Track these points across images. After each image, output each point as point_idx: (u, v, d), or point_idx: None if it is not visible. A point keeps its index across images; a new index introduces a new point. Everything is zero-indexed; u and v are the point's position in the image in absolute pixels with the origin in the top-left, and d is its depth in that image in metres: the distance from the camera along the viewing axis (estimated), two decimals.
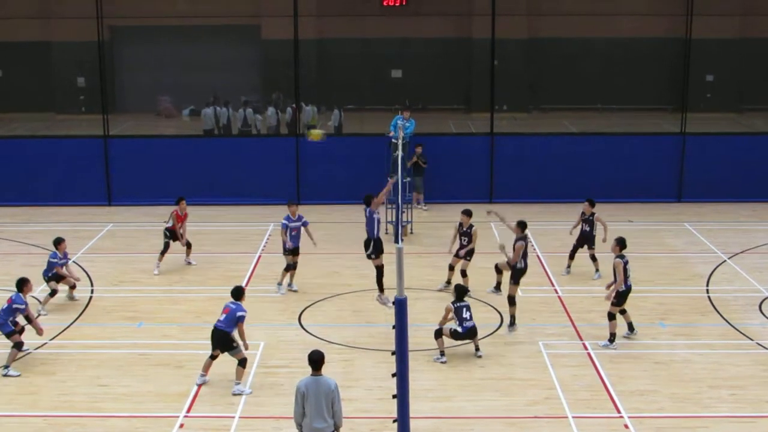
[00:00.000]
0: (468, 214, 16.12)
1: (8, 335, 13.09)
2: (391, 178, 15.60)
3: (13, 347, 13.07)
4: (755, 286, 16.73)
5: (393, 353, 9.72)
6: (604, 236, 16.80)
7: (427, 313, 15.04)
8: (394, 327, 9.62)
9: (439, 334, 13.39)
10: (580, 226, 17.22)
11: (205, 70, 26.22)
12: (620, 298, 13.88)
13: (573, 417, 11.73)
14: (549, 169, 23.06)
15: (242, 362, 12.38)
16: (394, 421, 9.94)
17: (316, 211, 21.73)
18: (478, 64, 25.66)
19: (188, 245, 17.83)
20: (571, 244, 17.31)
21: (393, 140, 19.72)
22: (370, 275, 15.67)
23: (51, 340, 14.20)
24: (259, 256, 18.58)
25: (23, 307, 13.17)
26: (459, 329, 13.33)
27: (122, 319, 15.18)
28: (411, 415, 9.92)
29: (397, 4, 25.25)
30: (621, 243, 14.02)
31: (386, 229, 19.35)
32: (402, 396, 9.68)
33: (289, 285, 16.52)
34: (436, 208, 22.23)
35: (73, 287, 15.95)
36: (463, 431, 11.48)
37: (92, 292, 16.52)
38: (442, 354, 13.39)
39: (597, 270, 17.00)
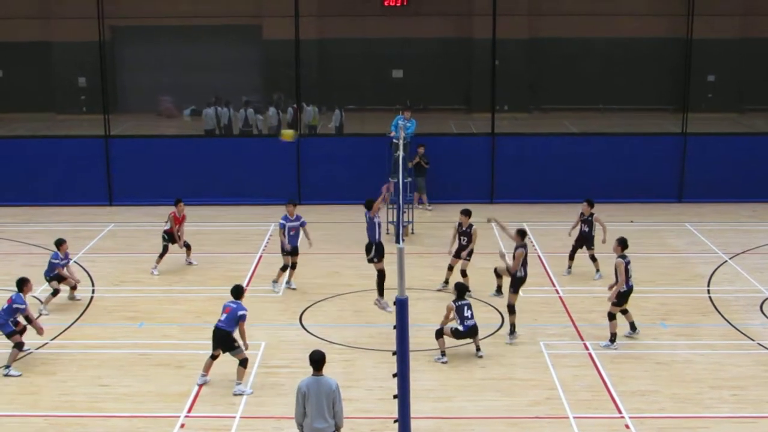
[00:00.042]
0: (467, 214, 16.12)
1: (9, 335, 13.09)
2: (388, 182, 15.59)
3: (14, 347, 13.07)
4: (756, 287, 16.72)
5: (394, 353, 9.72)
6: (603, 237, 16.80)
7: (428, 313, 15.04)
8: (395, 327, 9.61)
9: (440, 334, 13.39)
10: (579, 227, 17.22)
11: (206, 70, 26.21)
12: (621, 299, 13.87)
13: (574, 417, 11.73)
14: (550, 169, 23.06)
15: (243, 362, 12.38)
16: (395, 422, 9.94)
17: (317, 212, 21.75)
18: (478, 64, 25.65)
19: (187, 246, 17.83)
20: (571, 244, 17.31)
21: (394, 140, 19.71)
22: (371, 275, 15.67)
23: (52, 340, 14.20)
24: (260, 257, 18.58)
25: (24, 307, 13.16)
26: (460, 328, 13.33)
27: (123, 319, 15.19)
28: (412, 415, 9.92)
29: (398, 5, 25.24)
30: (623, 243, 14.02)
31: (387, 230, 19.35)
32: (403, 396, 9.67)
33: (288, 282, 16.53)
34: (437, 208, 22.24)
35: (74, 287, 15.96)
36: (464, 431, 11.48)
37: (93, 292, 16.52)
38: (443, 354, 13.38)
39: (597, 270, 16.99)
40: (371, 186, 21.51)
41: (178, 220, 17.57)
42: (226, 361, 12.52)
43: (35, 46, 26.33)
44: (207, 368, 12.56)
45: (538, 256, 18.29)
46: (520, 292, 14.40)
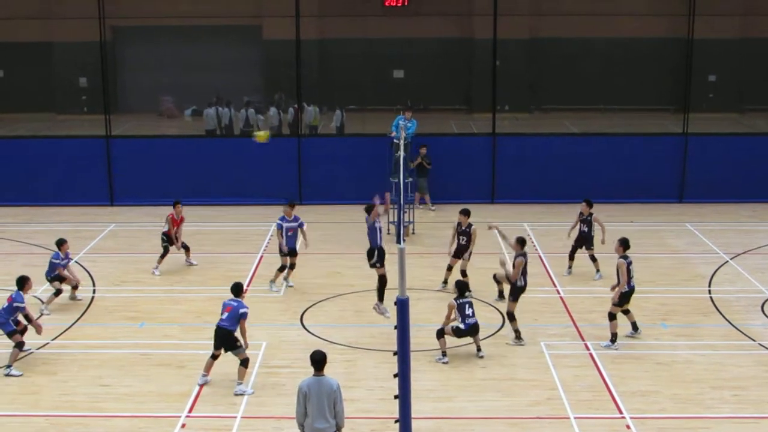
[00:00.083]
0: (466, 213, 16.12)
1: (10, 334, 13.09)
2: (386, 195, 15.52)
3: (14, 347, 13.07)
4: (757, 287, 16.72)
5: (395, 353, 9.73)
6: (602, 237, 16.81)
7: (429, 313, 15.05)
8: (395, 327, 9.62)
9: (441, 334, 13.38)
10: (578, 227, 17.22)
11: (207, 70, 26.25)
12: (623, 299, 13.87)
13: (575, 418, 11.73)
14: (551, 169, 23.06)
15: (244, 362, 12.39)
16: (395, 422, 9.95)
17: (317, 212, 21.78)
18: (479, 65, 25.66)
19: (186, 248, 17.80)
20: (571, 244, 17.31)
21: (395, 140, 19.73)
22: (372, 275, 15.63)
23: (53, 340, 14.21)
24: (261, 257, 18.59)
25: (24, 305, 13.16)
26: (462, 326, 13.33)
27: (124, 319, 15.20)
28: (413, 415, 9.93)
29: (399, 5, 25.25)
30: (624, 244, 14.01)
31: (388, 230, 19.35)
32: (404, 396, 9.68)
33: (285, 279, 16.54)
34: (438, 208, 22.24)
35: (75, 287, 15.97)
36: (464, 431, 11.48)
37: (94, 292, 16.53)
38: (444, 354, 13.39)
39: (597, 270, 16.99)
40: (372, 186, 21.50)
41: (176, 222, 17.55)
42: (227, 361, 12.53)
43: (36, 46, 26.37)
44: (208, 368, 12.57)
45: (539, 257, 18.29)
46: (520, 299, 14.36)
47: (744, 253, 18.85)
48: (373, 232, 14.81)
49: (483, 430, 11.51)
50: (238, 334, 12.38)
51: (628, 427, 11.52)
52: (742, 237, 20.08)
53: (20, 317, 13.26)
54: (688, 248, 19.33)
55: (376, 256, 14.78)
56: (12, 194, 22.86)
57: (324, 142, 24.34)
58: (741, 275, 17.42)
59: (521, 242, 14.29)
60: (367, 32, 26.19)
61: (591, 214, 16.97)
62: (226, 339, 12.34)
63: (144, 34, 26.58)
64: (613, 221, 19.86)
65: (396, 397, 9.74)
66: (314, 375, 9.67)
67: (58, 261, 15.58)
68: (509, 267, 14.44)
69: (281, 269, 16.45)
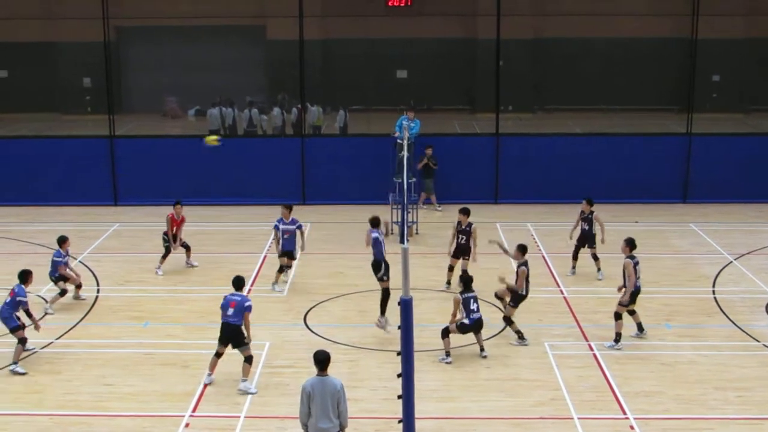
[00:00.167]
0: (466, 212, 16.10)
1: (13, 330, 13.08)
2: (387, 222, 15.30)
3: (18, 343, 13.06)
4: (762, 288, 16.69)
5: (398, 354, 9.72)
6: (602, 237, 16.80)
7: (432, 313, 15.04)
8: (399, 327, 9.62)
9: (446, 333, 13.37)
10: (579, 226, 17.21)
11: (210, 70, 26.29)
12: (629, 299, 13.85)
13: (578, 418, 11.72)
14: (554, 169, 23.05)
15: (248, 359, 12.39)
16: (399, 422, 9.94)
17: (320, 212, 21.78)
18: (482, 65, 25.67)
19: (187, 248, 17.78)
20: (574, 244, 17.29)
21: (398, 141, 19.73)
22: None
23: (57, 339, 14.24)
24: (265, 257, 18.59)
25: (26, 299, 13.16)
26: (466, 321, 13.32)
27: (128, 319, 15.21)
28: (416, 415, 9.91)
29: (402, 5, 25.27)
30: (630, 244, 14.01)
31: (392, 230, 19.34)
32: (407, 396, 9.67)
33: (281, 282, 16.55)
34: (443, 208, 22.21)
35: (79, 287, 15.99)
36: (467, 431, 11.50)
37: (98, 291, 16.55)
38: (448, 354, 13.38)
39: (599, 270, 16.97)
40: (375, 186, 21.60)
41: (176, 222, 17.52)
42: (231, 361, 12.54)
43: (40, 46, 26.43)
44: (212, 367, 12.58)
45: (543, 257, 18.28)
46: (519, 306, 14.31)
47: (748, 253, 18.82)
48: (377, 244, 14.59)
49: (486, 430, 11.50)
50: (243, 328, 12.39)
51: (631, 427, 11.51)
52: (746, 237, 20.06)
53: (20, 313, 13.20)
54: (692, 248, 19.31)
55: (383, 268, 14.57)
56: (16, 194, 22.91)
57: (327, 142, 24.35)
58: (745, 276, 17.39)
59: (522, 250, 14.22)
60: (371, 32, 26.21)
61: (592, 212, 16.97)
62: (234, 334, 12.32)
63: (148, 35, 26.63)
64: (617, 221, 19.86)
65: (399, 397, 9.73)
66: (318, 375, 9.67)
67: (60, 259, 15.60)
68: (510, 280, 14.38)
69: (280, 270, 16.47)
